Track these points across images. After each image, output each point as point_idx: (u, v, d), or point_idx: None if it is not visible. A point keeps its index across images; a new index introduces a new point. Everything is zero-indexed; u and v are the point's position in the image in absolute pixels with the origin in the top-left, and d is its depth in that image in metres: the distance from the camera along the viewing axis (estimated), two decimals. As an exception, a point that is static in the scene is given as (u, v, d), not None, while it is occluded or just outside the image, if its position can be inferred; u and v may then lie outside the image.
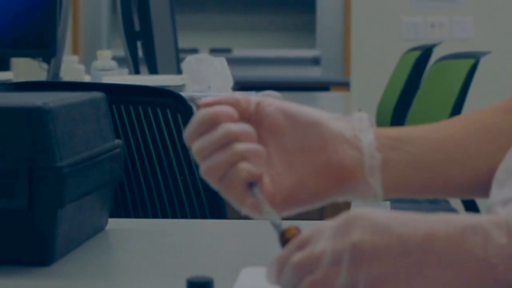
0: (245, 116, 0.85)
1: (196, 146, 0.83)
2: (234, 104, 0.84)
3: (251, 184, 0.81)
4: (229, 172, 0.81)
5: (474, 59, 2.99)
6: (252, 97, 0.86)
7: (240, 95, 0.85)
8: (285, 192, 0.85)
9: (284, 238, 0.73)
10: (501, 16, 5.05)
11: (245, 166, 0.81)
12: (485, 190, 0.93)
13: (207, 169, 0.82)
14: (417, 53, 3.94)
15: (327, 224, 0.69)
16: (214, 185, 0.83)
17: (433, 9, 5.10)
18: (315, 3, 5.29)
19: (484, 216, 0.68)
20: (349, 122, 0.87)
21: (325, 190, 0.86)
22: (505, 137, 0.92)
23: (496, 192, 0.84)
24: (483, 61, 3.05)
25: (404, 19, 5.11)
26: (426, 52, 3.91)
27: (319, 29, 5.30)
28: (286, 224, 0.76)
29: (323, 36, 5.29)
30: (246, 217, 0.88)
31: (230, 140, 0.81)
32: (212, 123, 0.82)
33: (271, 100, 0.86)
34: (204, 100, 0.83)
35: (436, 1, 5.10)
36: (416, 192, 0.90)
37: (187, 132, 0.84)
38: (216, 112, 0.82)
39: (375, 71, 5.05)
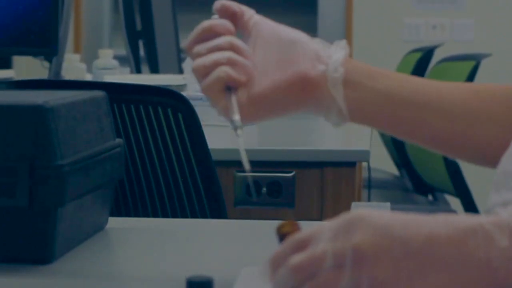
0: (242, 26, 0.95)
1: (196, 49, 0.92)
2: (240, 14, 0.95)
3: (229, 88, 0.91)
4: (214, 72, 0.90)
5: (475, 61, 3.00)
6: (254, 15, 0.96)
7: (245, 8, 0.96)
8: (257, 94, 0.92)
9: (281, 232, 0.71)
10: (502, 18, 5.05)
11: (226, 69, 0.91)
12: (458, 147, 0.94)
13: (197, 65, 0.92)
14: (418, 55, 3.94)
15: (327, 225, 0.68)
16: (199, 81, 0.92)
17: (435, 11, 5.10)
18: (317, 5, 5.29)
19: (485, 218, 0.67)
20: (327, 45, 0.95)
21: (291, 99, 0.92)
22: (499, 104, 0.94)
23: (495, 195, 0.84)
24: (484, 63, 3.05)
25: (406, 21, 5.11)
26: (427, 54, 3.91)
27: (321, 31, 5.29)
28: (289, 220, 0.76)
29: (325, 38, 5.25)
30: (246, 217, 0.89)
31: (226, 47, 0.92)
32: (212, 32, 0.93)
33: (265, 20, 0.96)
34: (219, 2, 0.95)
35: (437, 3, 5.10)
36: (383, 125, 0.95)
37: (190, 39, 0.93)
38: (217, 24, 0.92)
39: (376, 72, 5.05)
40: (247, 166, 0.86)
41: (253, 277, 0.85)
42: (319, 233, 0.68)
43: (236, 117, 0.89)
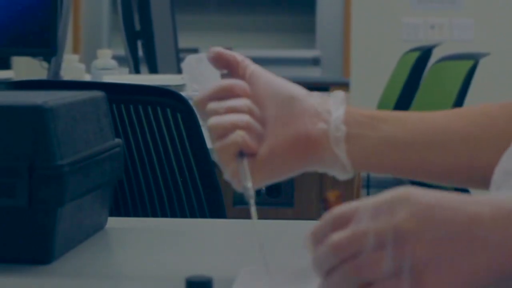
0: (237, 75, 0.92)
1: (212, 105, 0.90)
2: (234, 63, 0.92)
3: (241, 153, 0.88)
4: (231, 135, 0.88)
5: (473, 60, 3.00)
6: (250, 66, 0.93)
7: (241, 57, 0.93)
8: (258, 161, 0.89)
9: (325, 198, 0.72)
10: (500, 17, 5.06)
11: (243, 135, 0.88)
12: (465, 178, 0.93)
13: (215, 123, 0.89)
14: (416, 54, 3.95)
15: (370, 202, 0.67)
16: (212, 141, 0.90)
17: (433, 11, 5.10)
18: (315, 3, 5.29)
19: None
20: (325, 99, 0.93)
21: (294, 159, 0.91)
22: (495, 127, 0.93)
23: (494, 194, 0.84)
24: (482, 63, 3.05)
25: (404, 20, 5.11)
26: (425, 53, 3.91)
27: (319, 30, 5.30)
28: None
29: (323, 37, 5.29)
30: (245, 217, 0.89)
31: (244, 110, 0.89)
32: (230, 93, 0.90)
33: (262, 72, 0.93)
34: (213, 50, 0.93)
35: (436, 3, 5.10)
36: (389, 171, 0.94)
37: (205, 94, 0.91)
38: (237, 85, 0.91)
39: (375, 72, 5.05)
40: (260, 238, 0.83)
41: (252, 277, 0.85)
42: (362, 210, 0.66)
43: (249, 184, 0.87)
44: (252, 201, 0.86)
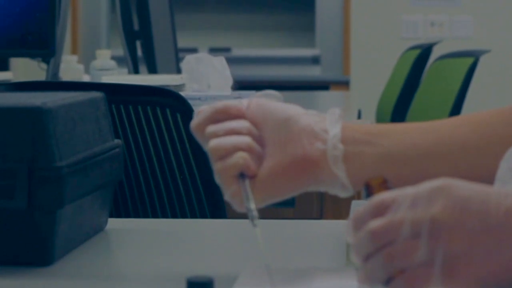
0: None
1: (211, 128, 0.90)
2: (237, 109, 0.91)
3: (242, 175, 0.88)
4: (230, 156, 0.88)
5: (473, 57, 3.00)
6: (243, 101, 0.92)
7: (230, 103, 0.92)
8: (258, 183, 0.89)
9: (369, 184, 0.73)
10: (500, 14, 5.06)
11: (245, 156, 0.88)
12: None
13: (215, 145, 0.89)
14: (416, 52, 3.94)
15: (410, 191, 0.68)
16: (213, 162, 0.89)
17: (433, 8, 5.10)
18: (315, 2, 5.29)
19: None
20: (322, 118, 0.92)
21: (293, 181, 0.90)
22: (496, 136, 0.92)
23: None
24: (482, 60, 3.05)
25: (404, 17, 5.11)
26: (425, 50, 3.91)
27: (319, 28, 5.30)
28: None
29: (323, 35, 5.29)
30: (246, 217, 0.89)
31: (244, 132, 0.89)
32: (225, 115, 0.90)
33: (255, 101, 0.92)
34: (202, 109, 0.92)
35: (435, 0, 5.10)
36: (392, 185, 0.92)
37: (200, 118, 0.91)
38: (231, 106, 0.91)
39: (375, 70, 5.05)
40: (265, 259, 0.84)
41: (253, 277, 0.85)
42: (401, 199, 0.68)
43: (253, 206, 0.87)
44: (256, 222, 0.86)
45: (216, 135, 0.89)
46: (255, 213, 0.86)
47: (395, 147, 0.92)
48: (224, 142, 0.88)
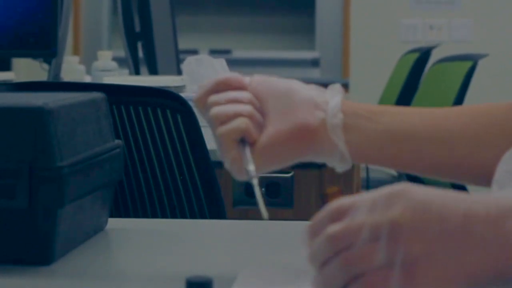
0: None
1: (212, 98, 0.92)
2: (238, 81, 0.93)
3: (243, 140, 0.90)
4: (232, 121, 0.90)
5: (472, 61, 3.00)
6: (245, 77, 0.95)
7: (232, 75, 0.95)
8: (258, 150, 0.91)
9: (325, 193, 0.73)
10: (499, 18, 5.06)
11: (247, 121, 0.90)
12: (462, 174, 0.94)
13: (217, 111, 0.91)
14: (415, 55, 3.95)
15: (367, 196, 0.67)
16: (213, 129, 0.91)
17: (432, 11, 5.10)
18: (315, 4, 5.29)
19: None
20: (323, 91, 0.95)
21: (293, 148, 0.92)
22: (496, 125, 0.93)
23: (497, 194, 0.84)
24: (481, 64, 3.05)
25: (403, 21, 5.12)
26: (424, 54, 3.91)
27: (318, 31, 5.30)
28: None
29: (322, 38, 5.29)
30: (245, 218, 0.89)
31: (245, 102, 0.91)
32: (227, 86, 0.92)
33: (258, 76, 0.94)
34: (216, 79, 0.94)
35: (434, 3, 5.10)
36: (387, 163, 0.96)
37: (202, 91, 0.93)
38: (232, 78, 0.93)
39: (374, 73, 5.05)
40: (265, 214, 0.86)
41: (252, 277, 0.86)
42: (360, 204, 0.67)
43: (251, 167, 0.89)
44: (255, 181, 0.88)
45: (217, 103, 0.91)
46: (254, 174, 0.88)
47: (396, 126, 0.93)
48: (226, 108, 0.90)
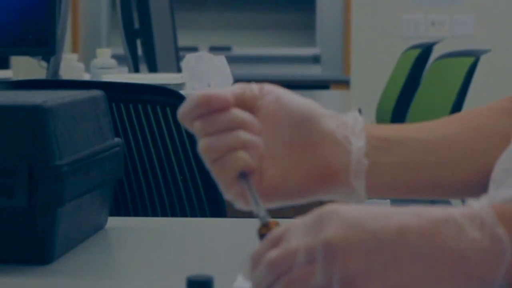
0: (249, 103, 0.84)
1: (199, 124, 0.81)
2: (240, 95, 0.83)
3: (243, 173, 0.81)
4: (226, 157, 0.81)
5: (474, 57, 3.00)
6: (253, 85, 0.85)
7: (241, 86, 0.85)
8: (268, 183, 0.84)
9: (261, 233, 0.73)
10: (501, 14, 5.05)
11: (244, 156, 0.81)
12: (475, 190, 0.93)
13: (206, 147, 0.81)
14: (417, 51, 3.94)
15: (300, 221, 0.68)
16: (207, 164, 0.83)
17: (434, 7, 5.10)
18: (315, 1, 5.29)
19: (457, 209, 0.68)
20: (343, 122, 0.87)
21: (308, 187, 0.86)
22: (498, 137, 0.92)
23: (493, 192, 0.83)
24: (483, 59, 3.05)
25: (405, 16, 5.11)
26: (426, 50, 3.91)
27: (319, 27, 5.29)
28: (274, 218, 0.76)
29: (323, 34, 5.29)
30: (246, 216, 0.88)
31: (236, 126, 0.81)
32: (210, 108, 0.81)
33: (272, 88, 0.86)
34: (212, 92, 0.82)
35: (436, -1, 5.10)
36: (402, 193, 0.91)
37: (185, 108, 0.82)
38: (213, 97, 0.81)
39: (375, 69, 5.05)
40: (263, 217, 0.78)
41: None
42: (293, 228, 0.68)
43: (262, 213, 0.77)
44: (264, 220, 0.76)
45: (205, 133, 0.81)
46: (267, 218, 0.76)
47: (409, 155, 0.89)
48: (216, 143, 0.81)
